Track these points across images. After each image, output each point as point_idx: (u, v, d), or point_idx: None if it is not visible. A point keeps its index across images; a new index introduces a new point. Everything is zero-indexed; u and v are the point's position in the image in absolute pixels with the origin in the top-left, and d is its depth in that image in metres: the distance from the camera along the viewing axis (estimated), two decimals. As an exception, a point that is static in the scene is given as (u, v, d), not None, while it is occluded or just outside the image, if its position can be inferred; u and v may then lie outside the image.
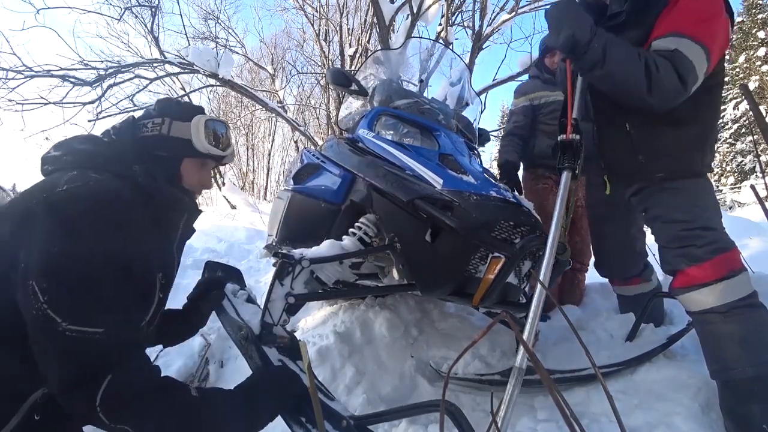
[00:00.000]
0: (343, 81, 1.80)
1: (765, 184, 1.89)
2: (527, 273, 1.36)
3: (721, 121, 18.88)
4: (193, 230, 1.15)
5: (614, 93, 1.32)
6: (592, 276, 2.38)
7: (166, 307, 1.08)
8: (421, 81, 2.08)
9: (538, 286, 1.16)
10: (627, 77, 1.22)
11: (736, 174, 17.92)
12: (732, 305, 1.22)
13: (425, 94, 2.07)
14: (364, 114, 1.85)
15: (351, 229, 1.43)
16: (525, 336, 1.11)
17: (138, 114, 1.06)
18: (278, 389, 0.95)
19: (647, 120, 1.34)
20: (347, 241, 1.38)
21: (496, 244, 1.25)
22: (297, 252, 1.29)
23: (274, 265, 1.34)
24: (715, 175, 17.82)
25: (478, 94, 2.37)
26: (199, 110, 1.08)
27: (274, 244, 1.74)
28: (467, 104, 2.08)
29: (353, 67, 7.93)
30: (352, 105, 2.13)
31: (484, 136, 2.26)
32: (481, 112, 2.19)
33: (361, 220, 1.45)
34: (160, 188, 0.97)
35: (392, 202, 1.34)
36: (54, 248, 0.73)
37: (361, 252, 1.39)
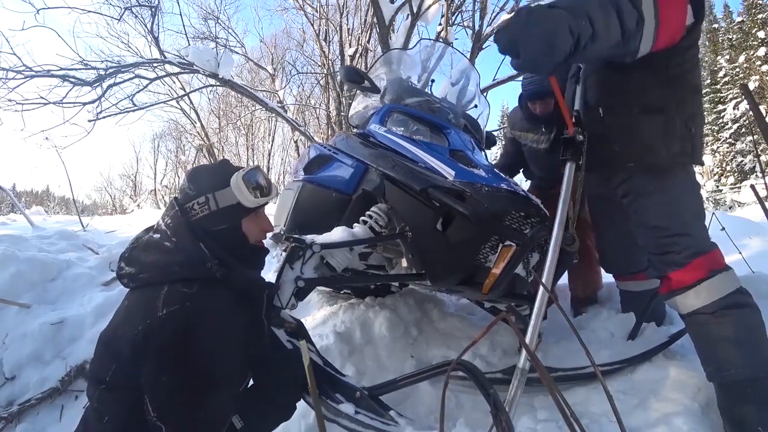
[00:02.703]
0: (356, 78, 1.82)
1: (765, 184, 1.89)
2: (535, 265, 1.37)
3: (720, 120, 18.87)
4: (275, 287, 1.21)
5: (603, 57, 1.26)
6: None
7: None
8: (432, 81, 2.10)
9: (540, 288, 1.16)
10: (609, 36, 1.10)
11: (736, 174, 17.88)
12: (718, 304, 1.22)
13: (435, 94, 2.09)
14: (375, 110, 1.88)
15: (362, 218, 1.45)
16: (527, 338, 1.11)
17: (180, 189, 1.09)
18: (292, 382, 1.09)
19: (620, 106, 1.35)
20: (358, 229, 1.40)
21: (508, 232, 1.27)
22: (308, 237, 1.31)
23: (284, 250, 1.36)
24: (714, 175, 17.79)
25: (479, 94, 2.38)
26: (228, 167, 1.10)
27: (281, 233, 1.75)
28: (475, 106, 2.11)
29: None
30: (363, 102, 2.15)
31: (490, 140, 2.27)
32: (488, 113, 2.21)
33: (372, 209, 1.47)
34: (237, 278, 1.02)
35: (405, 192, 1.36)
36: (162, 375, 0.86)
37: (371, 239, 1.41)
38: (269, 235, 1.23)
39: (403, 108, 1.81)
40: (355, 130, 2.04)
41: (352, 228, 1.41)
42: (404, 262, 1.57)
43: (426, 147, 1.54)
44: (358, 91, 2.05)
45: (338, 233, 1.35)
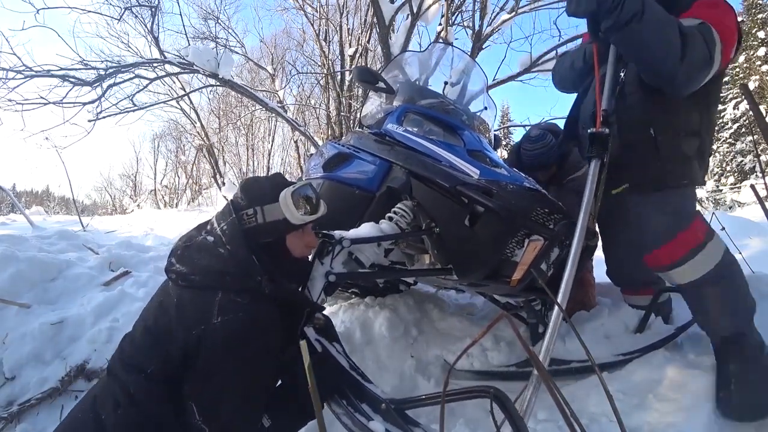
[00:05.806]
0: (369, 78, 1.84)
1: (765, 184, 1.89)
2: (554, 260, 1.40)
3: (721, 120, 18.85)
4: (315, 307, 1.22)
5: (642, 57, 1.27)
6: (598, 276, 2.37)
7: None
8: (445, 83, 2.12)
9: (555, 309, 1.14)
10: (663, 35, 1.16)
11: (736, 174, 17.87)
12: (701, 279, 1.31)
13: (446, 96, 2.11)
14: (389, 111, 1.90)
15: (388, 214, 1.48)
16: (540, 356, 1.09)
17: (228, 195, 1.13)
18: None
19: (670, 127, 1.37)
20: (385, 225, 1.43)
21: (536, 227, 1.31)
22: (337, 232, 1.34)
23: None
24: (714, 175, 17.78)
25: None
26: (280, 181, 1.12)
27: None
28: (485, 107, 2.13)
29: (353, 68, 7.92)
30: (375, 103, 2.17)
31: (497, 141, 2.28)
32: (495, 116, 2.22)
33: (398, 205, 1.49)
34: (284, 292, 1.05)
35: (433, 189, 1.40)
36: (210, 381, 0.91)
37: (398, 235, 1.44)
38: None
39: (419, 108, 1.83)
40: (367, 130, 2.04)
41: (378, 224, 1.44)
42: (426, 259, 1.60)
43: (446, 146, 1.58)
44: (370, 92, 2.07)
45: (366, 229, 1.39)
